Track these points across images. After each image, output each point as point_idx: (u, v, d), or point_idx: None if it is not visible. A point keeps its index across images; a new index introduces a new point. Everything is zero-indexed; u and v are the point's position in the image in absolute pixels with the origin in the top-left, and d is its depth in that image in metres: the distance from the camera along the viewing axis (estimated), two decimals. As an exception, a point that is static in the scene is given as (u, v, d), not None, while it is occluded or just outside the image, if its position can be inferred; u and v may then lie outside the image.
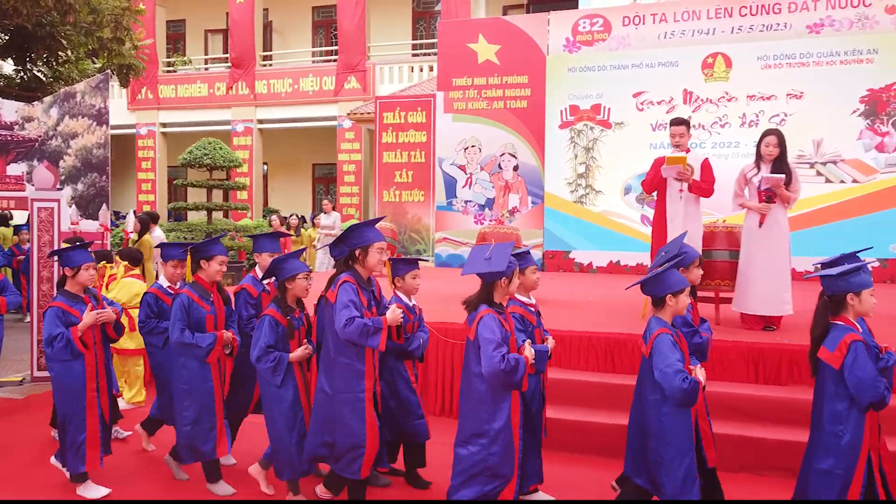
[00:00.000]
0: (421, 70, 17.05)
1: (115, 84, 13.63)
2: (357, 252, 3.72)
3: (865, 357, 3.12)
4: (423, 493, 4.23)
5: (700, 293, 6.16)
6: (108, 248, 7.47)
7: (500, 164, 11.43)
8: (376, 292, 3.89)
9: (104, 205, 7.67)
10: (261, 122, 18.56)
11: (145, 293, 4.83)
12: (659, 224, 5.86)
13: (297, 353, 3.95)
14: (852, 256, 3.50)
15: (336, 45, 17.78)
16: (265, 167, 20.07)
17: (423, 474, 4.32)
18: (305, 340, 4.01)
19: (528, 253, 4.00)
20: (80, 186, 7.71)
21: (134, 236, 8.12)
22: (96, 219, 7.62)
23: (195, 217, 13.95)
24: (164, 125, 19.50)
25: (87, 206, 7.69)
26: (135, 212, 7.91)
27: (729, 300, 5.93)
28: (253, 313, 4.50)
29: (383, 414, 3.93)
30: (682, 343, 3.38)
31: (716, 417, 4.75)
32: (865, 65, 9.80)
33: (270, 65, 19.50)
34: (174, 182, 19.81)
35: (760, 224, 5.54)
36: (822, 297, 3.34)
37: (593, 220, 10.87)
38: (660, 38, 10.72)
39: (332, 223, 12.03)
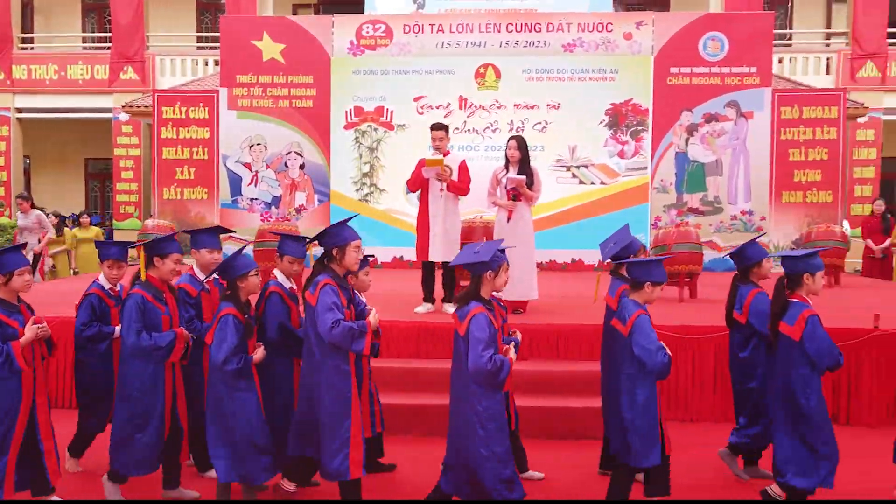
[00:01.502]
0: (206, 64, 16.39)
1: None
2: (334, 251, 3.73)
3: (822, 328, 3.60)
4: (398, 480, 4.36)
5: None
6: None
7: (286, 163, 11.47)
8: (350, 291, 3.89)
9: None
10: (20, 110, 16.70)
11: (89, 293, 4.29)
12: (423, 219, 6.35)
13: (259, 354, 3.83)
14: (753, 243, 4.32)
15: (110, 31, 16.53)
16: (27, 161, 18.08)
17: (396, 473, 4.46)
18: (259, 342, 3.90)
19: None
20: None
21: None
22: None
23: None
24: None
25: None
26: None
27: (486, 288, 6.58)
28: (193, 314, 4.19)
29: None
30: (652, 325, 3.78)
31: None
32: (609, 82, 11.26)
33: (32, 48, 17.61)
34: None
35: (508, 219, 6.25)
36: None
37: (378, 218, 11.31)
38: (437, 47, 11.42)
39: (32, 223, 10.48)
